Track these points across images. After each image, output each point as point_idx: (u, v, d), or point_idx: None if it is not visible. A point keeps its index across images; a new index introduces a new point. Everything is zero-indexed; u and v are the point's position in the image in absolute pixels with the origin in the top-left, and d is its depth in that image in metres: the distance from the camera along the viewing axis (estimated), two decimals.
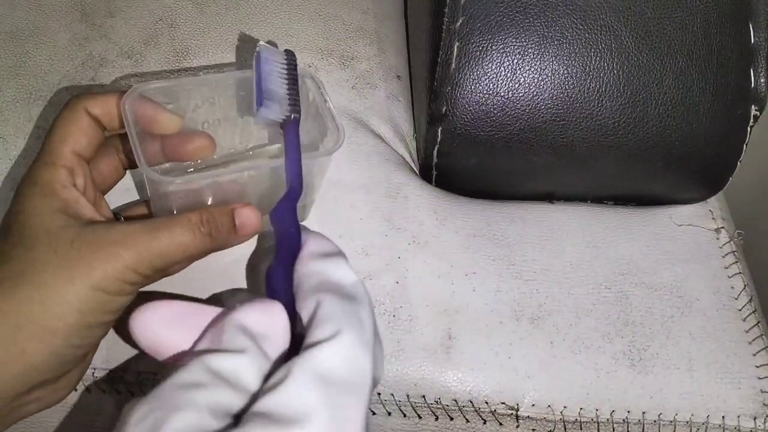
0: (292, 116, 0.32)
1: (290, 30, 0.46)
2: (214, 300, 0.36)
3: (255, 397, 0.23)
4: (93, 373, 0.35)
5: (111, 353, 0.36)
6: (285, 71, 0.34)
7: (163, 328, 0.27)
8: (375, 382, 0.25)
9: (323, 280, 0.27)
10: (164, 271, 0.31)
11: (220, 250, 0.33)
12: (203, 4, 0.47)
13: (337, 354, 0.23)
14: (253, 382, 0.24)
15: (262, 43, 0.34)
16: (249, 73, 0.34)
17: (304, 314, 0.26)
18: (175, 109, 0.34)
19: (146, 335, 0.27)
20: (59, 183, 0.30)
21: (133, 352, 0.36)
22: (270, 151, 0.39)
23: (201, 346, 0.25)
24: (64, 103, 0.32)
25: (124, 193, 0.38)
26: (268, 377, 0.24)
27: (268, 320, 0.26)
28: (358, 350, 0.24)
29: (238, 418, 0.22)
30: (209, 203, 0.33)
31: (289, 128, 0.32)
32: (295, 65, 0.34)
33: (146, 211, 0.36)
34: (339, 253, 0.29)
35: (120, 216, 0.35)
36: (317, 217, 0.39)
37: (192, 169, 0.37)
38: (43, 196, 0.30)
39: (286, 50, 0.35)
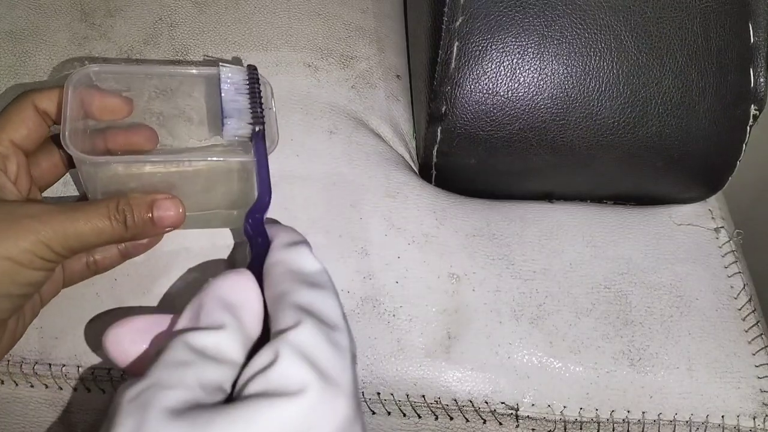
0: (257, 128, 0.33)
1: (290, 29, 0.46)
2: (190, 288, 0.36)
3: (242, 368, 0.24)
4: (93, 373, 0.35)
5: None
6: (247, 86, 0.35)
7: (134, 342, 0.28)
8: (353, 355, 0.27)
9: (289, 269, 0.28)
10: (79, 252, 0.31)
11: (143, 239, 0.34)
12: (203, 4, 0.47)
13: (312, 335, 0.24)
14: (237, 355, 0.25)
15: (222, 64, 0.35)
16: (208, 70, 0.35)
17: (270, 301, 0.27)
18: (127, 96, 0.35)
19: (118, 350, 0.28)
20: None
21: None
22: (222, 150, 0.39)
23: (182, 322, 0.26)
24: None
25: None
26: (252, 349, 0.25)
27: (243, 287, 0.27)
28: (324, 332, 0.25)
29: (232, 389, 0.24)
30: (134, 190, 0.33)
31: (256, 141, 0.33)
32: (257, 79, 0.35)
33: None
34: (304, 243, 0.30)
35: None
36: (316, 216, 0.39)
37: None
38: None
39: (248, 65, 0.36)
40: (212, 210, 0.36)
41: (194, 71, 0.35)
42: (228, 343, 0.25)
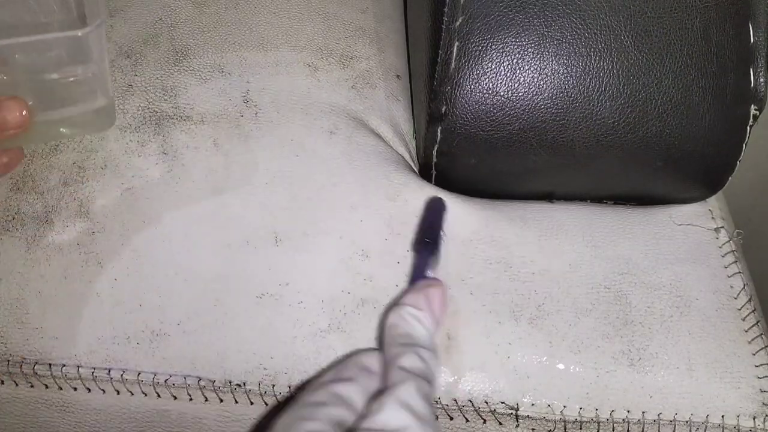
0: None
1: (290, 29, 0.46)
2: None
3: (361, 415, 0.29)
4: (93, 373, 0.35)
5: (110, 353, 0.36)
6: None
7: None
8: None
9: (400, 333, 0.32)
10: None
11: None
12: (203, 4, 0.47)
13: (412, 392, 0.29)
14: (359, 403, 0.30)
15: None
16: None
17: (387, 359, 0.32)
18: None
19: None
20: None
21: (133, 351, 0.36)
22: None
23: (329, 375, 0.31)
24: None
25: None
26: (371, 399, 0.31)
27: (374, 360, 0.32)
28: (422, 389, 0.30)
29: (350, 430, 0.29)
30: None
31: (421, 256, 0.37)
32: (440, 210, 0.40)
33: None
34: (423, 312, 0.33)
35: None
36: (317, 218, 0.39)
37: None
38: None
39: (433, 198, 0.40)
40: (66, 114, 0.34)
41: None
42: (354, 392, 0.30)
